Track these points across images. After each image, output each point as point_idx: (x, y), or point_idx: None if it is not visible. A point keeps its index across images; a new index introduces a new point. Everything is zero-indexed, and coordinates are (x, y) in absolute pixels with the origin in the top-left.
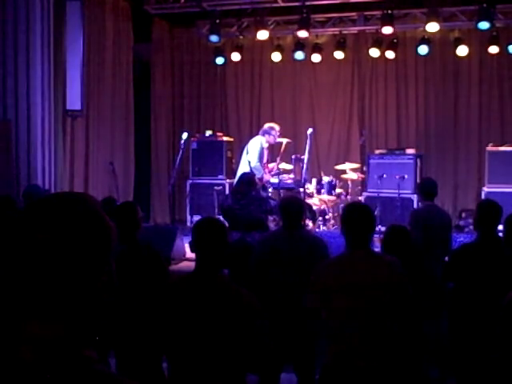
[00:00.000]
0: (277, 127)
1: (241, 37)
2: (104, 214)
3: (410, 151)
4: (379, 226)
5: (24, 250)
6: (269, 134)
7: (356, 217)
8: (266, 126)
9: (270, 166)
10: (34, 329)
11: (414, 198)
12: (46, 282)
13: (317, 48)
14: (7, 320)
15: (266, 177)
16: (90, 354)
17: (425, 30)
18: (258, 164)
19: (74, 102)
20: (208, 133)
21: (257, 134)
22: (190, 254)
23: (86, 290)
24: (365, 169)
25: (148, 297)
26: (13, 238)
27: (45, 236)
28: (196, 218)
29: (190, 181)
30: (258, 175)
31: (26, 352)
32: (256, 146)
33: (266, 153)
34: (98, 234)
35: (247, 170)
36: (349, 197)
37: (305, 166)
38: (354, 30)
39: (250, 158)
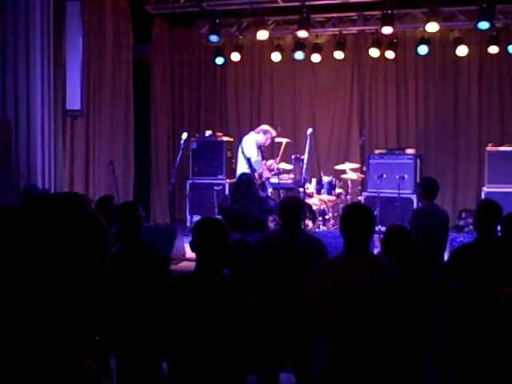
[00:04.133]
0: (273, 132)
1: (241, 37)
2: (98, 216)
3: (410, 151)
4: (379, 226)
5: (17, 253)
6: (263, 134)
7: (355, 218)
8: (264, 126)
9: (268, 163)
10: (31, 338)
11: (414, 197)
12: (41, 287)
13: (317, 48)
14: (2, 330)
15: (266, 173)
16: (88, 363)
17: (425, 30)
18: (259, 158)
19: (73, 101)
20: (208, 133)
21: None
22: (189, 254)
23: (83, 293)
24: (365, 169)
25: (148, 297)
26: (6, 241)
27: (37, 238)
28: (196, 218)
29: (190, 181)
30: (258, 170)
31: (22, 364)
32: (251, 142)
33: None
34: (92, 237)
35: (246, 168)
36: (349, 197)
37: (305, 165)
38: (354, 30)
39: (249, 155)
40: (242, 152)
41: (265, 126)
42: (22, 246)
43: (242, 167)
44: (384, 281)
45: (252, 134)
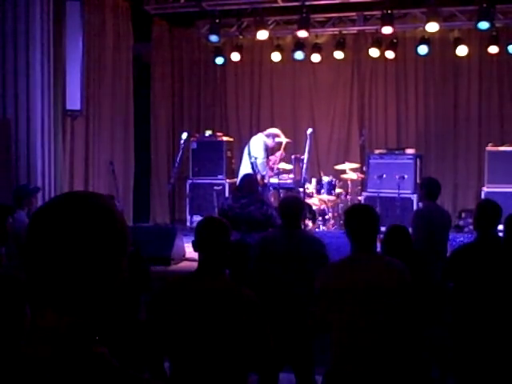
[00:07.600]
0: (282, 136)
1: (241, 37)
2: (121, 214)
3: (410, 151)
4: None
5: (44, 244)
6: (272, 138)
7: (360, 219)
8: (275, 130)
9: (272, 158)
10: (48, 321)
11: (414, 197)
12: (65, 277)
13: (316, 48)
14: (20, 312)
15: (269, 174)
16: (101, 350)
17: (424, 30)
18: (264, 161)
19: (73, 101)
20: (208, 133)
21: (257, 133)
22: (189, 254)
23: (102, 285)
24: (364, 169)
25: (129, 297)
26: (32, 233)
27: (66, 234)
28: (196, 217)
29: (190, 181)
30: (262, 172)
31: (39, 347)
32: (260, 143)
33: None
34: (116, 233)
35: (249, 168)
36: (349, 197)
37: (304, 165)
38: (354, 30)
39: (256, 155)
40: (249, 152)
41: (275, 130)
42: (51, 237)
43: (246, 166)
44: (393, 281)
45: (261, 135)
